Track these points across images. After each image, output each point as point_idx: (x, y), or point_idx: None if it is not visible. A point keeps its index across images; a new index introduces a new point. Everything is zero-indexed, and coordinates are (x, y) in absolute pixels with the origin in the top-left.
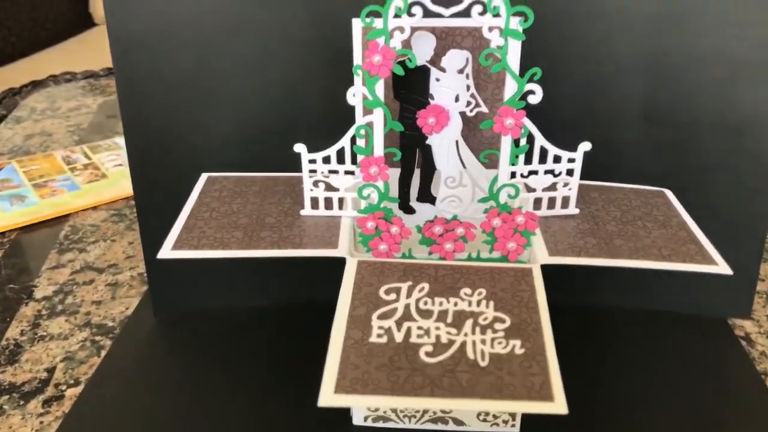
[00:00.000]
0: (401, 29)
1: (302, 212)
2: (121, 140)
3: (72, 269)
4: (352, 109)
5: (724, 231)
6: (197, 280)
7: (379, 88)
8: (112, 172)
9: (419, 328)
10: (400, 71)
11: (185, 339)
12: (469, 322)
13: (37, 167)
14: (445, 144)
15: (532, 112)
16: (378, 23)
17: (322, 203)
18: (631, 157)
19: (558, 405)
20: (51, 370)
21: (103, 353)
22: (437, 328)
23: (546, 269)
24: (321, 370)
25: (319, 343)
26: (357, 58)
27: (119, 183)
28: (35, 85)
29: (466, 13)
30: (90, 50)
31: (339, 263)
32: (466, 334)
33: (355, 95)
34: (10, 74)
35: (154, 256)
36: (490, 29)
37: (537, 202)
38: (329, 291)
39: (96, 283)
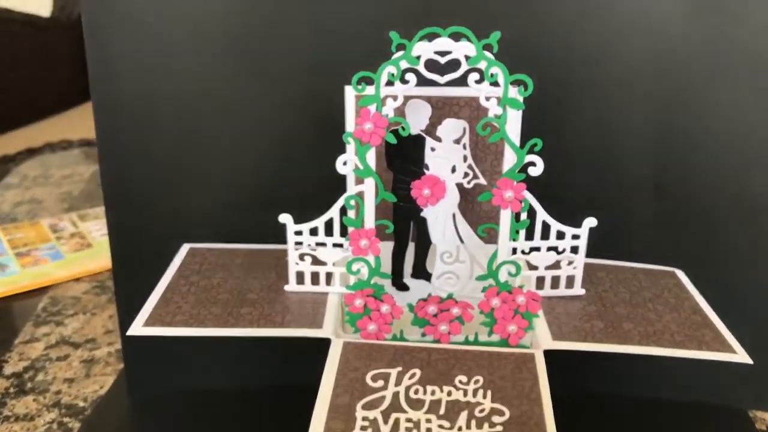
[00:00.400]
0: (394, 97)
1: (287, 287)
2: None
3: (47, 343)
4: (341, 180)
5: (740, 315)
6: (176, 359)
7: (371, 157)
8: (99, 242)
9: (408, 420)
10: (393, 140)
11: (160, 422)
12: (464, 415)
13: (21, 235)
14: (441, 217)
15: (533, 185)
16: (370, 90)
17: (308, 278)
18: (640, 235)
19: None
20: None
21: None
22: (428, 421)
23: (549, 353)
24: None
25: (299, 427)
26: (349, 127)
27: (104, 253)
28: (30, 152)
29: (462, 81)
30: (88, 121)
31: (323, 345)
32: (460, 429)
33: (345, 164)
34: (8, 142)
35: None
36: (488, 98)
37: (540, 281)
38: (313, 373)
39: (71, 359)
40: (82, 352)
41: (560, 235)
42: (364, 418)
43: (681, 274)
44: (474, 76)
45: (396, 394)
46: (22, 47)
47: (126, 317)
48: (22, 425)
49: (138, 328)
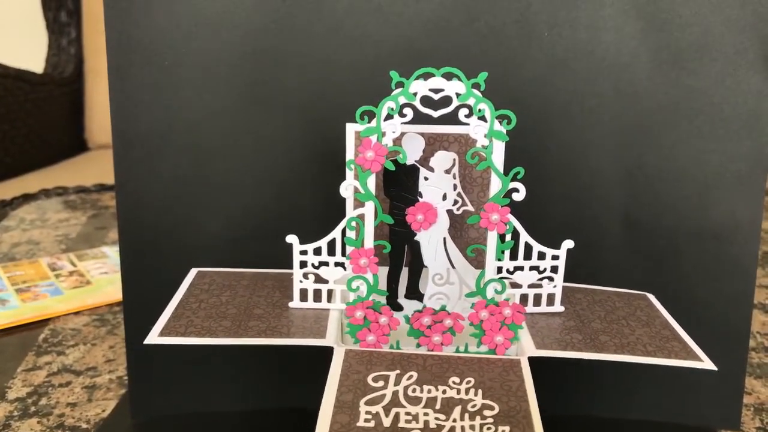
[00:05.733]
0: (393, 128)
1: (291, 304)
2: (108, 249)
3: (49, 371)
4: (342, 211)
5: (707, 339)
6: (179, 382)
7: (371, 183)
8: (97, 279)
9: (407, 414)
10: (392, 166)
11: None
12: (457, 409)
13: (21, 273)
14: (433, 241)
15: (516, 213)
16: (372, 122)
17: (311, 295)
18: (613, 263)
19: None
20: None
21: None
22: (426, 414)
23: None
24: None
25: None
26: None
27: (103, 289)
28: (26, 198)
29: (453, 116)
30: (82, 171)
31: (324, 368)
32: (455, 420)
33: (347, 189)
34: (3, 188)
35: (136, 354)
36: (476, 130)
37: (523, 299)
38: (314, 397)
39: (72, 385)
40: (84, 379)
41: (541, 256)
42: (367, 412)
43: (652, 297)
44: (464, 111)
45: (395, 393)
46: (15, 101)
47: (132, 339)
48: None
49: (154, 337)
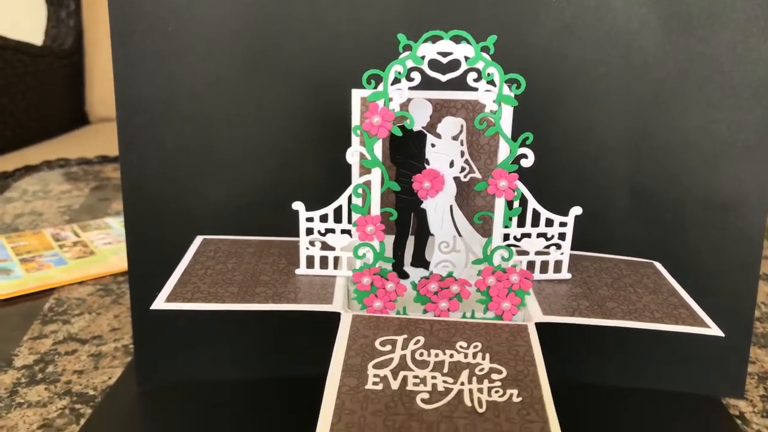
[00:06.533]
0: (400, 93)
1: (297, 271)
2: (111, 220)
3: (55, 339)
4: (348, 178)
5: (712, 308)
6: (185, 350)
7: (378, 149)
8: (101, 250)
9: (415, 377)
10: (399, 132)
11: (169, 409)
12: (465, 372)
13: (25, 243)
14: (439, 208)
15: (524, 180)
16: (378, 87)
17: (317, 262)
18: (620, 233)
19: None
20: None
21: (83, 421)
22: (433, 377)
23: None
24: None
25: (308, 418)
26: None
27: (107, 260)
28: (28, 169)
29: (462, 80)
30: (84, 143)
31: (330, 335)
32: (462, 383)
33: (353, 155)
34: (4, 161)
35: (142, 322)
36: (485, 95)
37: (530, 266)
38: (318, 365)
39: (79, 353)
40: (90, 347)
41: (549, 223)
42: (375, 376)
43: (659, 265)
44: (472, 75)
45: (403, 357)
46: (15, 73)
47: (138, 308)
48: (35, 411)
49: (161, 303)
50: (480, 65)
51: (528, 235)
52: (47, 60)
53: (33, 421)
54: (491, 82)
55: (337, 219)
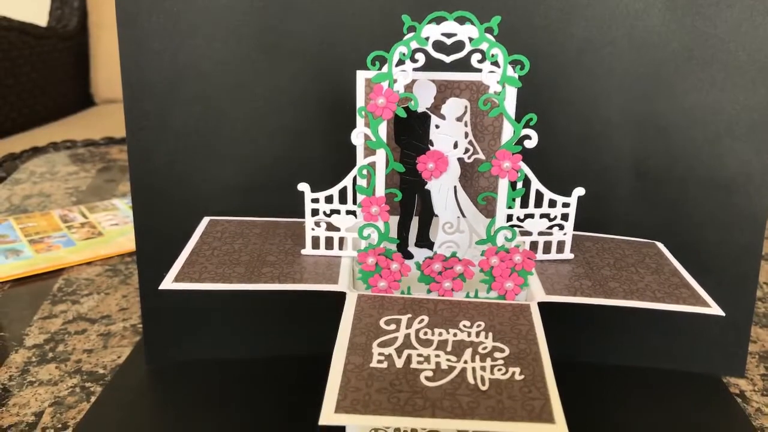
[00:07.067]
0: (405, 74)
1: (303, 251)
2: (118, 201)
3: (64, 319)
4: (353, 159)
5: (715, 288)
6: (192, 330)
7: (382, 130)
8: (109, 231)
9: (419, 355)
10: (403, 113)
11: (177, 388)
12: (468, 351)
13: (33, 224)
14: (443, 189)
15: (527, 161)
16: (383, 68)
17: (323, 243)
18: (623, 213)
19: (559, 427)
20: (39, 414)
21: (93, 399)
22: (437, 356)
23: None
24: (315, 422)
25: (313, 396)
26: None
27: (115, 240)
28: (35, 150)
29: (466, 61)
30: (90, 125)
31: (335, 315)
32: (466, 361)
33: (358, 136)
34: (11, 142)
35: (150, 302)
36: (488, 76)
37: (533, 246)
38: (324, 343)
39: (88, 332)
40: (99, 327)
41: (552, 204)
42: (380, 354)
43: (661, 246)
44: (476, 56)
45: (407, 336)
46: (20, 55)
47: (146, 288)
48: (46, 389)
49: (169, 283)
50: (484, 46)
51: (531, 216)
52: (52, 41)
53: (44, 399)
54: (495, 63)
55: (343, 200)
